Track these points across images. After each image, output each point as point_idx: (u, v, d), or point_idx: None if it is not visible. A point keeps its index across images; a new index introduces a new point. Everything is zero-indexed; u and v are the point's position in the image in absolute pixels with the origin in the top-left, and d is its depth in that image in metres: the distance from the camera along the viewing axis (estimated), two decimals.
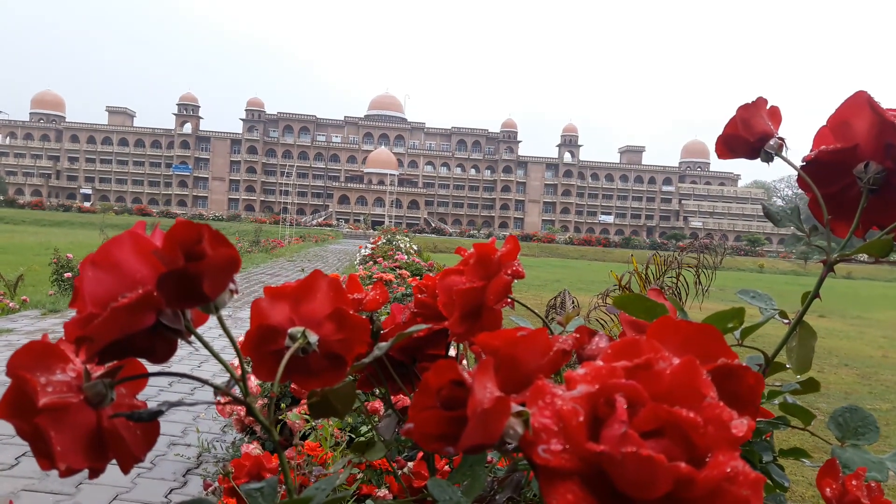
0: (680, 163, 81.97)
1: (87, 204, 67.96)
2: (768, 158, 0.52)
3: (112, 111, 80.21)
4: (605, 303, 2.83)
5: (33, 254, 15.75)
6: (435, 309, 0.56)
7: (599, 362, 0.31)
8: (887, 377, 7.84)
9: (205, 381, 0.38)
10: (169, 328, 0.37)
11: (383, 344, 0.44)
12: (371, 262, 9.47)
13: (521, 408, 0.29)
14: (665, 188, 79.53)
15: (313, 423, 2.18)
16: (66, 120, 77.56)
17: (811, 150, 0.50)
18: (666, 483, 0.27)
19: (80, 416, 0.37)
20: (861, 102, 0.47)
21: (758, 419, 0.55)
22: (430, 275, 0.58)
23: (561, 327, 0.64)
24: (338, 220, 67.74)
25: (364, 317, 0.47)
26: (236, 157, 76.62)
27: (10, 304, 7.59)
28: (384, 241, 14.37)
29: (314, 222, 64.50)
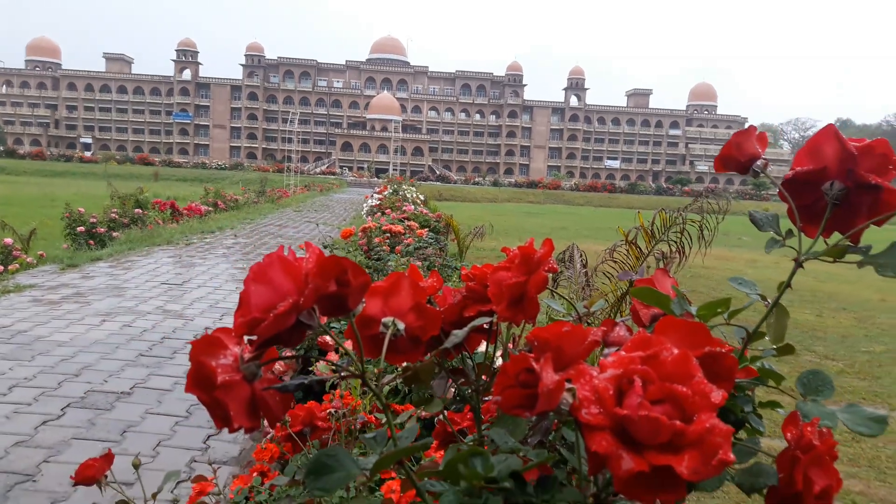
0: (687, 106, 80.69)
1: (87, 153, 67.64)
2: (755, 175, 0.64)
3: (109, 58, 78.77)
4: (611, 257, 2.98)
5: (39, 206, 15.85)
6: (482, 293, 0.70)
7: (622, 352, 0.44)
8: (883, 320, 8.04)
9: (330, 362, 0.52)
10: (304, 324, 0.51)
11: (459, 332, 0.58)
12: (379, 213, 9.59)
13: (569, 384, 0.43)
14: (672, 132, 78.58)
15: (340, 374, 2.36)
16: (63, 67, 76.30)
17: (790, 170, 0.62)
18: (667, 434, 0.41)
19: (241, 389, 0.51)
20: (830, 134, 0.60)
21: (740, 378, 0.69)
22: (468, 270, 0.71)
23: (582, 307, 0.78)
24: (341, 167, 67.37)
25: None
26: (237, 104, 75.71)
27: (28, 259, 7.78)
28: (391, 191, 14.44)
29: (317, 170, 64.23)
